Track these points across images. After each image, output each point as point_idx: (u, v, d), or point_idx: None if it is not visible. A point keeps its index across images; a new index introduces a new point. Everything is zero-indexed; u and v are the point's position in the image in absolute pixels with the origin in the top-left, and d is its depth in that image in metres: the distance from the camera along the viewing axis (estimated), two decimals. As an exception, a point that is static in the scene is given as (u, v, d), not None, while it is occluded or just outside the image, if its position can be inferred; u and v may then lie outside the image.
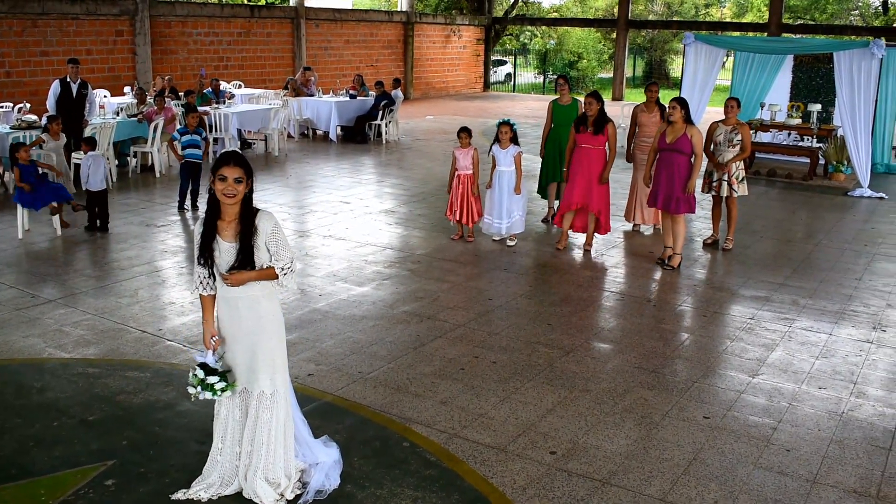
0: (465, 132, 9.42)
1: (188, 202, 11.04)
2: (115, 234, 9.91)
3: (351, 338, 6.61)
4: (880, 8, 39.04)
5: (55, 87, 12.56)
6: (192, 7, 21.68)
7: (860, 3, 39.50)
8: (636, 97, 31.82)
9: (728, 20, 43.51)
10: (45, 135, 11.16)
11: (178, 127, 11.12)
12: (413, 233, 10.19)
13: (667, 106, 8.65)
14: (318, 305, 7.37)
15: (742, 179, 9.42)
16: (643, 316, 7.34)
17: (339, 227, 10.31)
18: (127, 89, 17.78)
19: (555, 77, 40.00)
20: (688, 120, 8.39)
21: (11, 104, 15.54)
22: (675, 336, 6.88)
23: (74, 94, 12.57)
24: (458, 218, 9.53)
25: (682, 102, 8.44)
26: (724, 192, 9.39)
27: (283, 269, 4.02)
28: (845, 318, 7.41)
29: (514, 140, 9.28)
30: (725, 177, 9.34)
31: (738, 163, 9.34)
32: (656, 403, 5.57)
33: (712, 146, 9.43)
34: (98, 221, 10.06)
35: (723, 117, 9.47)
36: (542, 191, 10.92)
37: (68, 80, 12.59)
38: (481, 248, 9.47)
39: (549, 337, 6.73)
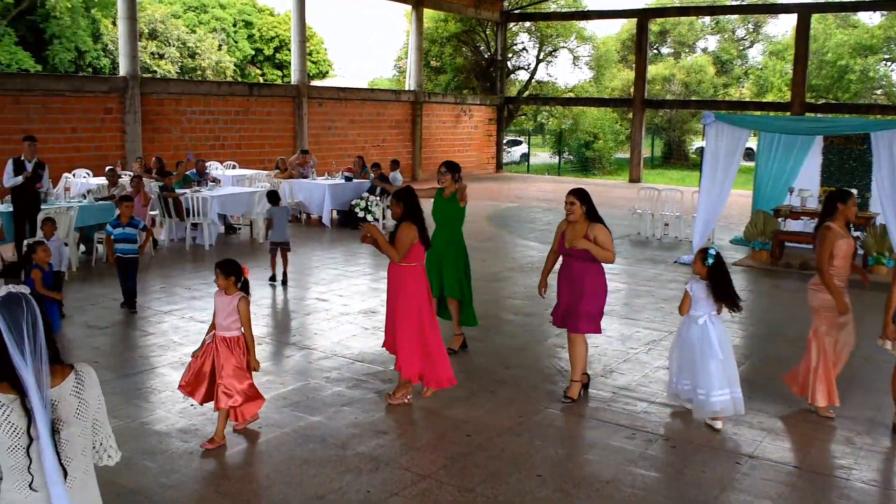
0: (220, 270, 5.93)
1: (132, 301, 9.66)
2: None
3: (282, 494, 5.17)
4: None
5: (9, 166, 11.44)
6: (186, 85, 20.80)
7: (884, 82, 38.44)
8: (654, 178, 30.66)
9: (748, 100, 42.57)
10: None
11: (111, 219, 9.69)
12: (392, 339, 8.75)
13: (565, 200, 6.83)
14: (256, 443, 5.94)
15: None
16: (678, 463, 5.85)
17: (308, 332, 8.95)
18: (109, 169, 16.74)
19: (570, 157, 39.23)
20: (591, 216, 6.74)
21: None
22: (721, 491, 5.39)
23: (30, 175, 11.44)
24: (201, 399, 5.98)
25: (580, 195, 6.77)
26: None
27: None
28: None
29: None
30: None
31: None
32: None
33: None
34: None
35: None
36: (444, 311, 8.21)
37: (23, 158, 11.46)
38: (472, 362, 8.04)
39: (539, 495, 5.25)
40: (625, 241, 15.69)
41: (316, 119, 24.11)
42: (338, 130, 25.07)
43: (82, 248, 12.78)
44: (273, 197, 11.92)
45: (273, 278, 11.28)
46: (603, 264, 6.73)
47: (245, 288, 5.96)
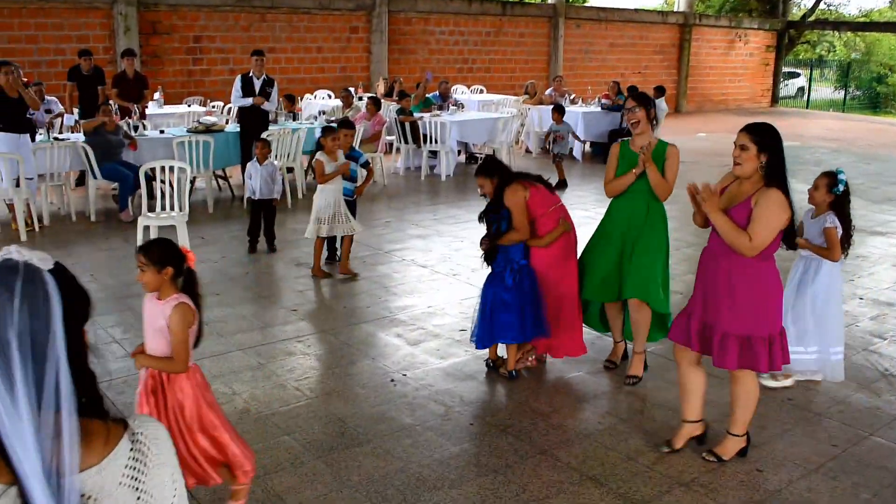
0: (143, 256, 3.28)
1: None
2: (253, 274, 7.62)
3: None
4: None
5: (237, 83, 10.68)
6: (435, 3, 19.57)
7: None
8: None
9: None
10: (322, 155, 7.31)
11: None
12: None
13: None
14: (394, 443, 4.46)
15: None
16: None
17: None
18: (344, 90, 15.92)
19: (857, 92, 34.43)
20: (770, 174, 3.85)
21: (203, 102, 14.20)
22: None
23: (258, 92, 10.60)
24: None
25: (760, 135, 3.87)
26: None
27: None
28: None
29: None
30: None
31: None
32: None
33: None
34: (265, 241, 8.29)
35: None
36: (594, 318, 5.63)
37: (251, 75, 10.64)
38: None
39: None
40: (944, 193, 12.73)
41: (572, 42, 22.21)
42: (595, 55, 23.04)
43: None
44: (559, 110, 12.33)
45: (561, 184, 12.01)
46: (774, 255, 3.99)
47: (189, 285, 3.36)
